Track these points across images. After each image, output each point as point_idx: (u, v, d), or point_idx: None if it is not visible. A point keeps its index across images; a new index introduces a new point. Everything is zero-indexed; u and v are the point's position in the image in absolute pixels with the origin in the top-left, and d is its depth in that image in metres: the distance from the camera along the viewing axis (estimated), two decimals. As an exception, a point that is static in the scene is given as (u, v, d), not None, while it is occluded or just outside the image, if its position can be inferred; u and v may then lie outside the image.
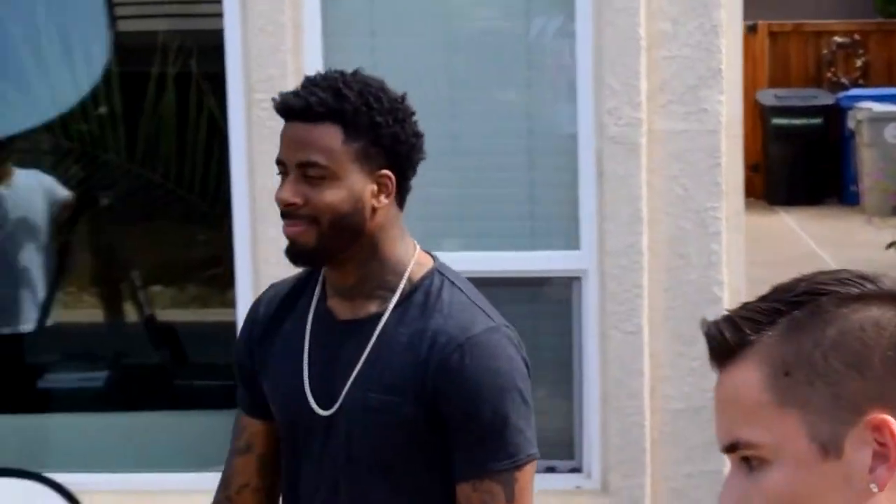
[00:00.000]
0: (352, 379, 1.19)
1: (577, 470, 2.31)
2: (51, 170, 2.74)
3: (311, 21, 2.26)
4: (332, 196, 1.16)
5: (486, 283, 2.30)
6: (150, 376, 2.85)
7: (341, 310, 1.22)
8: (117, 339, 2.91)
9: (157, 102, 2.68)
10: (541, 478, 2.27)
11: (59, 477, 2.06)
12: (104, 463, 2.44)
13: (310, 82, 1.17)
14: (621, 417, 2.25)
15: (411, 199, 2.43)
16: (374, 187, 1.17)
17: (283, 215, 1.16)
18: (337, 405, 1.18)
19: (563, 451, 2.31)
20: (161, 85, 2.63)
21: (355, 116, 1.14)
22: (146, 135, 2.66)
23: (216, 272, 2.52)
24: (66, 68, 2.56)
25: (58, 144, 2.76)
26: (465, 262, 2.28)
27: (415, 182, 2.36)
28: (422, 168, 2.31)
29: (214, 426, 2.29)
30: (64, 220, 2.70)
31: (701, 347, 2.07)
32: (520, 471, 1.20)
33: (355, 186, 1.16)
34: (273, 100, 1.18)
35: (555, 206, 2.32)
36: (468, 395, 1.14)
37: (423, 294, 1.21)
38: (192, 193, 2.57)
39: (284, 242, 1.15)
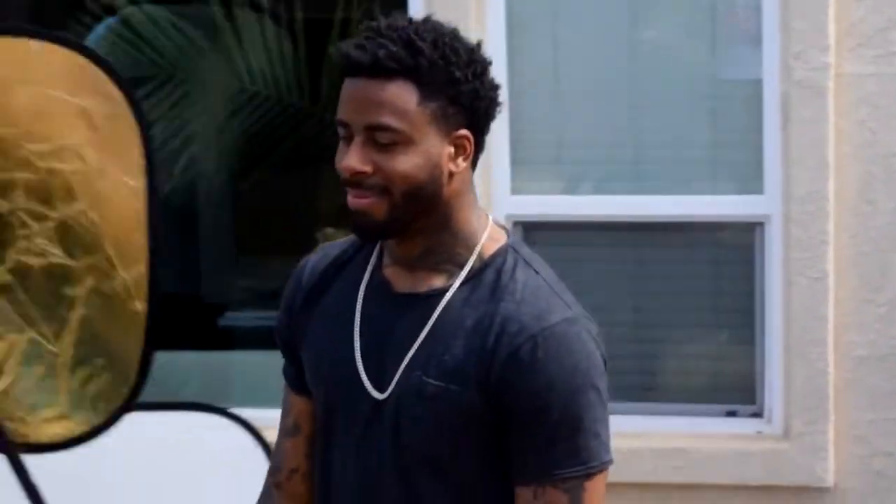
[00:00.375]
0: (407, 360, 1.06)
1: (758, 415, 2.34)
2: (238, 113, 3.00)
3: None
4: (407, 163, 1.02)
5: (669, 228, 2.37)
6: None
7: (400, 281, 1.09)
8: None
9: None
10: (722, 421, 2.35)
11: (242, 412, 2.25)
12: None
13: (376, 32, 1.02)
14: (805, 364, 2.26)
15: (603, 142, 2.46)
16: (452, 150, 1.03)
17: (349, 184, 1.03)
18: (390, 388, 1.05)
19: (744, 396, 2.35)
20: (344, 32, 2.80)
21: (431, 72, 0.99)
22: (329, 81, 2.84)
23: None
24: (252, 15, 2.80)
25: (243, 89, 2.99)
26: (650, 205, 2.36)
27: (605, 126, 2.41)
28: (608, 113, 2.38)
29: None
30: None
31: (888, 294, 2.07)
32: (590, 479, 1.06)
33: (432, 151, 1.03)
34: (335, 51, 1.04)
35: (739, 152, 2.33)
36: (539, 391, 1.01)
37: (495, 272, 1.07)
38: None
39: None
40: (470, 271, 1.05)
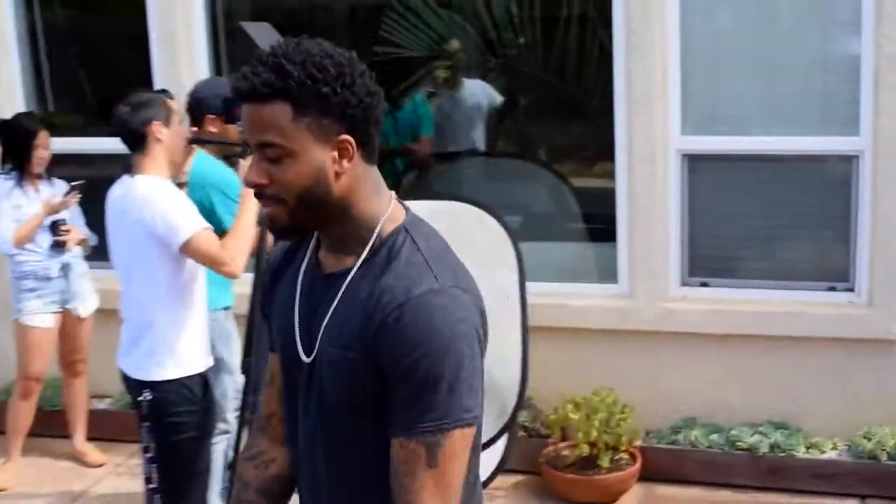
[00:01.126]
0: (321, 330, 1.17)
1: (850, 290, 3.33)
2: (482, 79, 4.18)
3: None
4: (293, 173, 1.11)
5: (792, 160, 3.35)
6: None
7: (327, 263, 1.21)
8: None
9: (567, 30, 3.91)
10: (825, 295, 3.39)
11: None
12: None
13: (257, 61, 1.11)
14: (884, 256, 3.22)
15: (733, 93, 3.43)
16: (335, 154, 1.12)
17: (255, 196, 1.16)
18: (313, 355, 1.18)
19: (841, 277, 3.35)
20: (568, 21, 3.88)
21: (301, 91, 1.08)
22: (557, 54, 3.94)
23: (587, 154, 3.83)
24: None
25: (486, 60, 4.13)
26: (779, 144, 3.36)
27: (749, 84, 3.38)
28: (751, 74, 3.36)
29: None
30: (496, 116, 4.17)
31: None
32: (445, 435, 1.12)
33: (314, 159, 1.11)
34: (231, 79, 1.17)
35: (843, 106, 3.28)
36: (403, 353, 1.09)
37: (387, 250, 1.16)
38: (587, 97, 3.83)
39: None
40: (370, 251, 1.15)
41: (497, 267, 2.08)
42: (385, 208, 1.18)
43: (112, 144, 2.58)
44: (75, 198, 3.48)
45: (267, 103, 1.10)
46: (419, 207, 1.26)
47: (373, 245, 1.16)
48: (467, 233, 2.02)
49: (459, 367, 1.11)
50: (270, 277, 1.33)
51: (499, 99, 4.08)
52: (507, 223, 2.14)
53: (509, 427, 2.23)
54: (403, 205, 1.22)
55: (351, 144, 1.13)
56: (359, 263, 1.16)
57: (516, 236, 2.12)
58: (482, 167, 4.29)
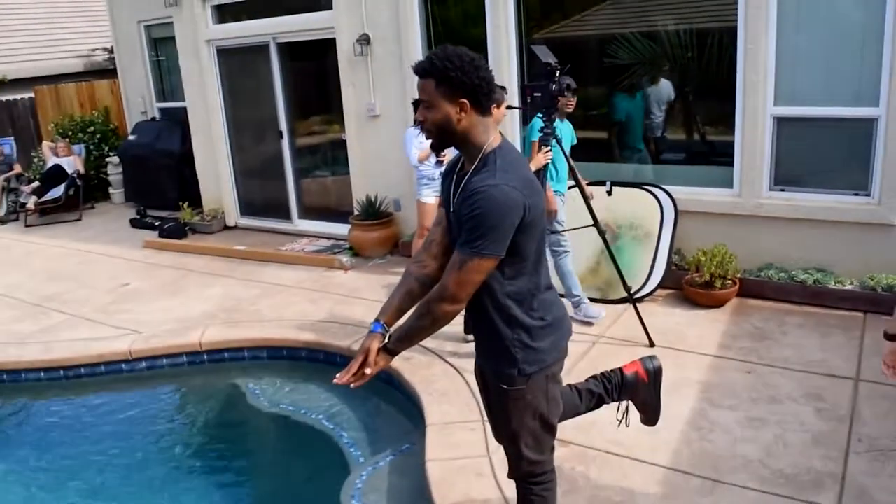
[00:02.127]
0: (454, 200, 2.36)
1: (868, 195, 5.83)
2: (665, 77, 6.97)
3: None
4: (433, 116, 2.25)
5: (831, 120, 5.87)
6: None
7: (464, 168, 2.31)
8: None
9: (713, 45, 6.60)
10: (852, 196, 6.00)
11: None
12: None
13: (426, 57, 2.19)
14: (889, 175, 5.71)
15: (802, 80, 6.01)
16: (457, 108, 2.20)
17: (419, 127, 2.32)
18: (451, 211, 2.40)
19: (861, 186, 5.86)
20: (714, 39, 6.59)
21: (441, 73, 2.14)
22: (706, 59, 6.63)
23: (721, 117, 6.52)
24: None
25: (668, 67, 6.94)
26: (829, 111, 5.87)
27: (803, 74, 5.94)
28: (806, 67, 5.89)
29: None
30: (670, 107, 6.94)
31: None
32: (473, 258, 2.22)
33: (445, 110, 2.24)
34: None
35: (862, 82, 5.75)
36: (469, 212, 2.20)
37: (483, 163, 2.24)
38: (723, 85, 6.50)
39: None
40: (478, 162, 2.25)
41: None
42: (489, 140, 2.21)
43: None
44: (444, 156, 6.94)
45: (424, 78, 2.22)
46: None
47: (479, 160, 2.26)
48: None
49: (494, 226, 2.19)
50: (446, 172, 2.48)
51: (672, 94, 6.85)
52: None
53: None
54: (504, 138, 2.28)
55: (466, 104, 2.20)
56: (471, 169, 2.26)
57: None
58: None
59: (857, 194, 5.93)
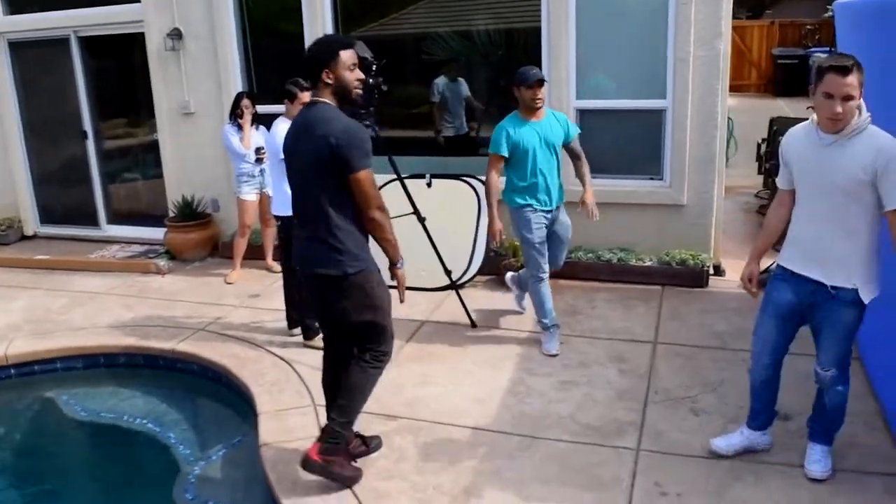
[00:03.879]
0: None
1: (662, 179, 6.70)
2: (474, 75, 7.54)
3: None
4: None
5: (617, 113, 6.65)
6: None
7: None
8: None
9: (519, 41, 7.26)
10: (648, 181, 6.71)
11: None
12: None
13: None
14: (676, 162, 6.57)
15: (598, 76, 6.70)
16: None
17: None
18: None
19: (655, 171, 6.70)
20: (520, 35, 7.24)
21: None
22: (514, 55, 7.29)
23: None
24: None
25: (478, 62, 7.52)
26: (617, 103, 6.65)
27: (600, 70, 6.67)
28: (605, 63, 6.63)
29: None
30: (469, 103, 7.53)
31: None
32: (356, 174, 3.41)
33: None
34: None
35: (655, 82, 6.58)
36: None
37: None
38: None
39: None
40: None
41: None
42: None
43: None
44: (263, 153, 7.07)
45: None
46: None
47: None
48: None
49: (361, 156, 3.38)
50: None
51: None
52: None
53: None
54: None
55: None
56: None
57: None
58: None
59: (652, 178, 6.73)
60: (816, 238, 3.45)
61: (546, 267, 5.25)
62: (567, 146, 5.32)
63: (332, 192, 3.47)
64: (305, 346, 5.54)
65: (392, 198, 6.19)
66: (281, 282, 5.91)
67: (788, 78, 19.27)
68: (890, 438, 3.96)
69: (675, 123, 6.50)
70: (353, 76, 3.52)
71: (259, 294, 6.86)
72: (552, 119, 5.26)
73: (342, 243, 3.50)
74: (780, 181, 3.65)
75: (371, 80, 5.29)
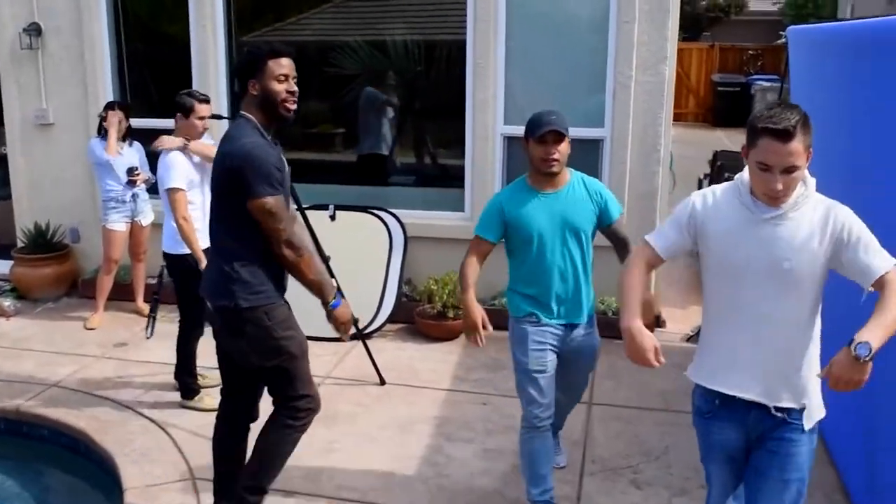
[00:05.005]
0: None
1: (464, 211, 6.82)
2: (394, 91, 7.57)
3: None
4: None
5: None
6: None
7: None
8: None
9: (441, 60, 7.31)
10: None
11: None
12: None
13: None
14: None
15: (530, 101, 6.80)
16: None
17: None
18: None
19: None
20: (442, 53, 7.30)
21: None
22: (434, 74, 7.34)
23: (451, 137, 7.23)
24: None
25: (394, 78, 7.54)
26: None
27: (531, 94, 6.79)
28: (536, 86, 6.76)
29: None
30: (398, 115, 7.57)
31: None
32: (253, 202, 3.40)
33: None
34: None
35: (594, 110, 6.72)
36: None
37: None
38: (452, 101, 7.22)
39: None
40: None
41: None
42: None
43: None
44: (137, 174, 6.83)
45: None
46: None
47: None
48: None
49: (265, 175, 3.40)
50: None
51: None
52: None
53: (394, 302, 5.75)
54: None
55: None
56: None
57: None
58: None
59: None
60: (751, 342, 2.87)
61: (544, 411, 3.92)
62: (607, 230, 4.08)
63: (229, 218, 3.52)
64: (183, 406, 5.33)
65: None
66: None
67: (729, 107, 20.13)
68: (850, 515, 4.06)
69: (615, 155, 6.64)
70: (283, 87, 3.56)
71: (127, 343, 6.60)
72: (579, 189, 4.03)
73: (236, 272, 3.52)
74: (661, 242, 3.00)
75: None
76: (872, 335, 2.49)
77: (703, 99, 21.84)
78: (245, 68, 3.56)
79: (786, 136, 2.61)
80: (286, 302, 3.66)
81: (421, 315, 6.72)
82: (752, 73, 21.44)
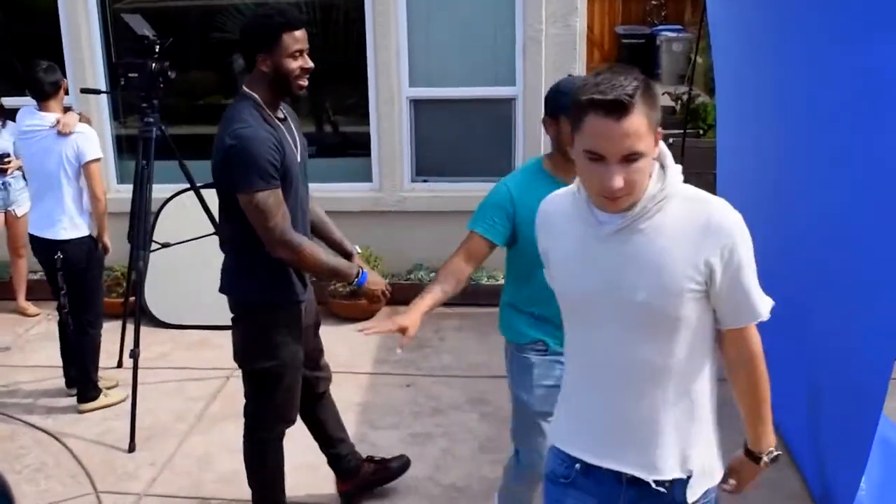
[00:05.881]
0: None
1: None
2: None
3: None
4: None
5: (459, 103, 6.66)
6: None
7: None
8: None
9: (339, 20, 7.11)
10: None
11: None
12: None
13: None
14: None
15: (439, 60, 6.69)
16: None
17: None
18: None
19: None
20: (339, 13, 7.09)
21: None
22: (332, 36, 7.13)
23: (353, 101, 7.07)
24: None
25: None
26: (464, 92, 6.66)
27: (440, 53, 6.66)
28: (444, 46, 6.64)
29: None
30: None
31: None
32: (246, 194, 3.19)
33: None
34: None
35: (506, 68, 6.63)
36: None
37: None
38: (354, 65, 7.04)
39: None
40: None
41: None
42: None
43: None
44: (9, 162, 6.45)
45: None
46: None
47: None
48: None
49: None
50: None
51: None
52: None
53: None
54: None
55: None
56: None
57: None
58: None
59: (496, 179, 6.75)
60: (613, 400, 2.21)
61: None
62: None
63: (226, 205, 3.38)
64: (81, 412, 5.08)
65: (187, 212, 5.86)
66: (38, 328, 5.40)
67: (634, 60, 20.36)
68: None
69: (528, 114, 6.57)
70: (298, 64, 3.28)
71: (9, 347, 6.26)
72: None
73: (234, 262, 3.49)
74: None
75: (155, 66, 4.99)
76: (768, 437, 2.26)
77: (608, 52, 22.08)
78: (254, 41, 3.24)
79: (620, 109, 1.91)
80: (300, 302, 3.60)
81: (333, 295, 6.57)
82: (657, 23, 21.80)
